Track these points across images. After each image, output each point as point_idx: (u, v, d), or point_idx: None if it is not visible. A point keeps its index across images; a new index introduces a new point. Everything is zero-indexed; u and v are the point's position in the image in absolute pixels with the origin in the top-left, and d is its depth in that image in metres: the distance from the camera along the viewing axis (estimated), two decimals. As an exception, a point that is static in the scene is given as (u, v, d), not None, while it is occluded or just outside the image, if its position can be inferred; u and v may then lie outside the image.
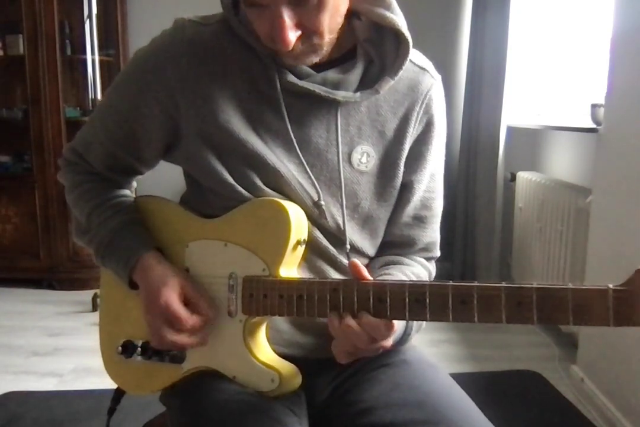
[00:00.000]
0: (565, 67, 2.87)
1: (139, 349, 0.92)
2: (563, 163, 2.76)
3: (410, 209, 0.96)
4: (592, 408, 1.98)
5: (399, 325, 0.80)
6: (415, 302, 0.70)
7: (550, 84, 3.00)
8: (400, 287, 0.71)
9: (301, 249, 0.84)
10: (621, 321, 0.61)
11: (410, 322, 0.88)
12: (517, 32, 2.94)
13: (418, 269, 0.96)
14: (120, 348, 0.93)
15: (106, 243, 0.91)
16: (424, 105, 0.92)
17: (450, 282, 0.69)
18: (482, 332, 2.72)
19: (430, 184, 0.97)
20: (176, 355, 0.90)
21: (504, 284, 0.66)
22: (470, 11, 3.20)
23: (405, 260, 0.97)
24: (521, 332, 2.71)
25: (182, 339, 0.83)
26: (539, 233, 2.69)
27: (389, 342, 0.77)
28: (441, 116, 0.95)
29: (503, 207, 3.14)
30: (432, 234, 1.00)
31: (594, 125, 2.20)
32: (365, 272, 0.76)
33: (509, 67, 2.91)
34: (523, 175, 2.94)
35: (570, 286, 0.63)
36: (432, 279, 1.00)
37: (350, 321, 0.74)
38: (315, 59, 0.83)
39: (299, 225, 0.83)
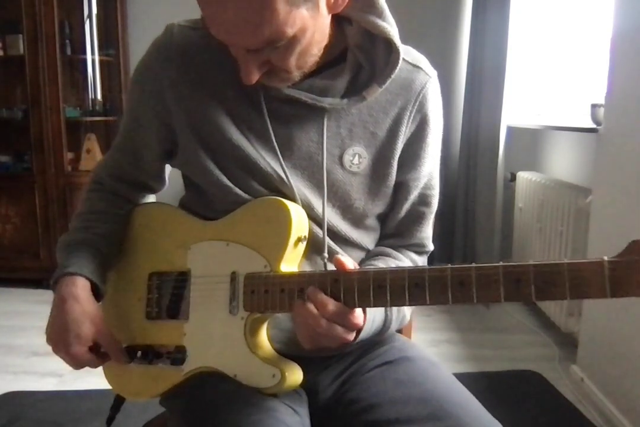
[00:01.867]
0: (565, 67, 2.87)
1: (139, 353, 0.92)
2: (563, 163, 2.76)
3: (408, 205, 0.97)
4: (592, 408, 1.98)
5: (368, 320, 0.81)
6: (415, 286, 0.71)
7: (550, 84, 3.00)
8: (399, 273, 0.72)
9: (302, 245, 0.84)
10: (618, 292, 0.61)
11: (389, 315, 0.89)
12: (517, 32, 2.95)
13: (405, 264, 0.97)
14: None
15: (61, 251, 0.94)
16: (417, 104, 0.91)
17: (449, 266, 0.70)
18: (482, 332, 2.72)
19: (430, 181, 0.98)
20: (177, 357, 0.89)
21: (501, 264, 0.67)
22: (470, 11, 3.20)
23: (394, 253, 0.97)
24: (521, 332, 2.71)
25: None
26: (539, 233, 2.69)
27: (351, 335, 0.77)
28: (436, 114, 0.94)
29: (503, 207, 3.14)
30: (427, 229, 1.01)
31: (594, 125, 2.20)
32: (348, 266, 0.75)
33: (509, 67, 2.91)
34: (523, 175, 2.94)
35: (566, 260, 0.64)
36: None
37: (310, 305, 0.75)
38: (287, 84, 0.84)
39: (299, 222, 0.84)
